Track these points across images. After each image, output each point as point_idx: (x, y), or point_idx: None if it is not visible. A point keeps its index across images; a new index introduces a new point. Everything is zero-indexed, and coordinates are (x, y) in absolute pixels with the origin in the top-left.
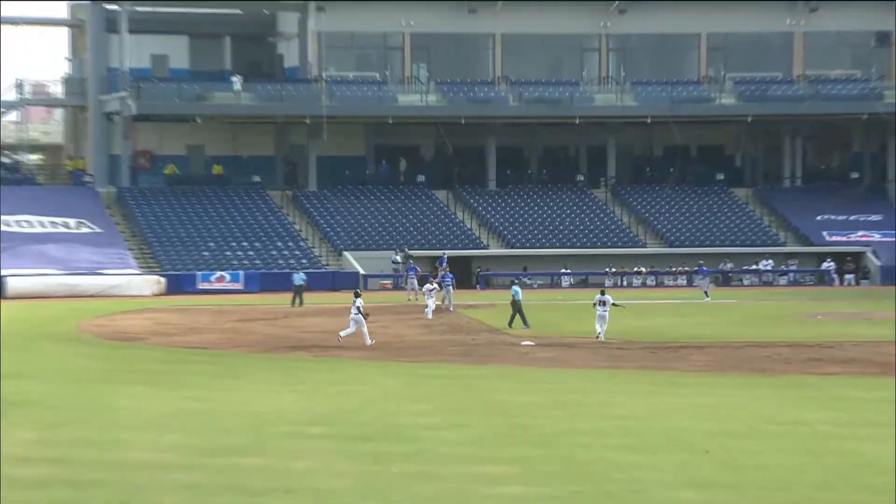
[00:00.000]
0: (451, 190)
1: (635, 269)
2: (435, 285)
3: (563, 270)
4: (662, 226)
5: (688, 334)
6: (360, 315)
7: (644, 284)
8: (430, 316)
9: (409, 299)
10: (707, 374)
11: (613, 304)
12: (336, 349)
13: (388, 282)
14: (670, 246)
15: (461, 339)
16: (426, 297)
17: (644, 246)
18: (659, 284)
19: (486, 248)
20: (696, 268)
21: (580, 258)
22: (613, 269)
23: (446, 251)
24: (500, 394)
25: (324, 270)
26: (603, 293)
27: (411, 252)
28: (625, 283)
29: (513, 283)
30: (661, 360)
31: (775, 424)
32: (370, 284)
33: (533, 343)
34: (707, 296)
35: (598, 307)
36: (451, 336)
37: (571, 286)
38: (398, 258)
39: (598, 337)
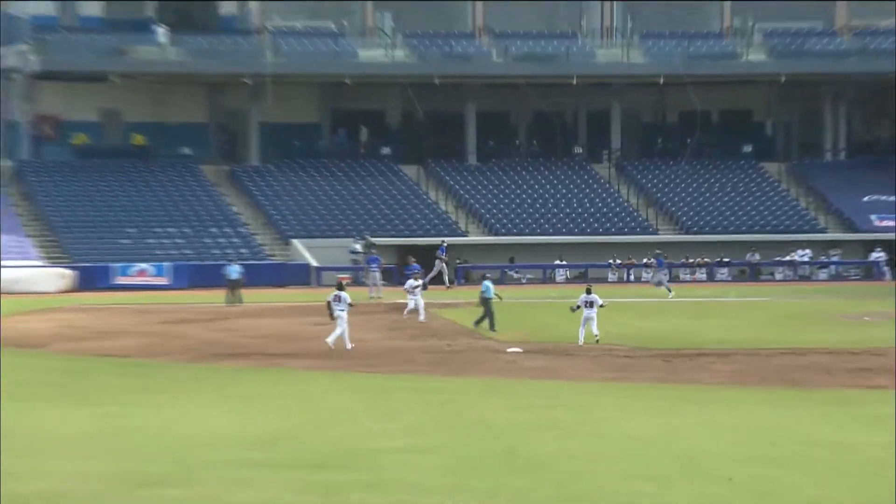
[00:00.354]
0: (422, 165)
1: (644, 260)
2: (420, 282)
3: (558, 262)
4: (677, 208)
5: (708, 339)
6: (345, 312)
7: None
8: (422, 317)
9: (372, 296)
10: (731, 387)
11: (601, 306)
12: (281, 357)
13: (345, 275)
14: (686, 232)
15: (434, 344)
16: (408, 295)
17: (655, 232)
18: (673, 279)
19: (464, 234)
20: (653, 258)
21: (578, 247)
22: (618, 261)
23: (445, 238)
24: (481, 411)
25: (268, 262)
26: (589, 291)
27: (374, 240)
28: (632, 277)
29: (484, 277)
30: (675, 370)
31: (813, 447)
32: (324, 279)
33: (521, 350)
34: (670, 291)
35: (584, 308)
36: (421, 341)
37: (568, 281)
38: (358, 247)
39: (596, 340)
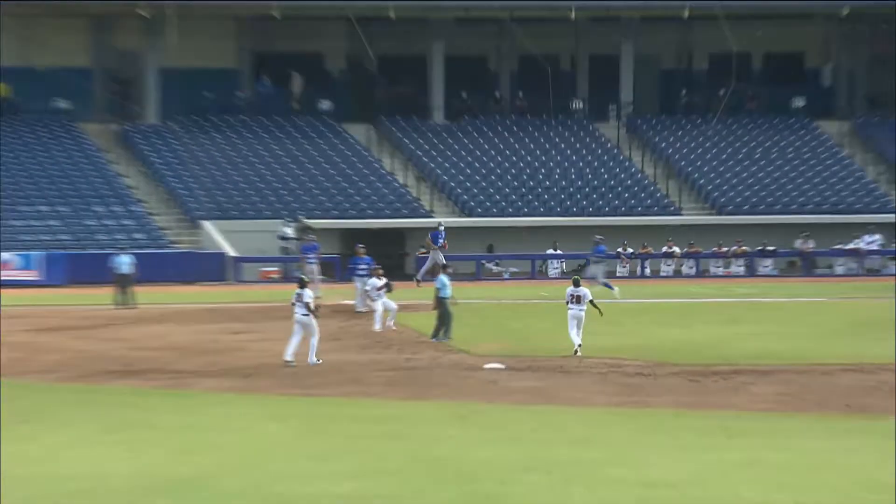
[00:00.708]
0: (373, 124)
1: (664, 248)
2: (384, 281)
3: (551, 251)
4: (707, 180)
5: (747, 352)
6: (310, 316)
7: (678, 273)
8: (377, 327)
9: None
10: (777, 414)
11: (591, 303)
12: (188, 376)
13: (273, 269)
14: (719, 213)
15: (391, 358)
16: (372, 298)
17: (678, 212)
18: (702, 273)
19: (429, 215)
20: (592, 248)
21: (576, 232)
22: (630, 250)
23: (441, 220)
24: (450, 446)
25: (171, 250)
26: (577, 284)
27: (310, 222)
28: (648, 270)
29: (443, 269)
30: (704, 392)
31: (883, 493)
32: (245, 273)
33: (502, 366)
34: (612, 288)
35: (570, 305)
36: (375, 354)
37: (564, 275)
38: (289, 232)
39: (575, 352)
